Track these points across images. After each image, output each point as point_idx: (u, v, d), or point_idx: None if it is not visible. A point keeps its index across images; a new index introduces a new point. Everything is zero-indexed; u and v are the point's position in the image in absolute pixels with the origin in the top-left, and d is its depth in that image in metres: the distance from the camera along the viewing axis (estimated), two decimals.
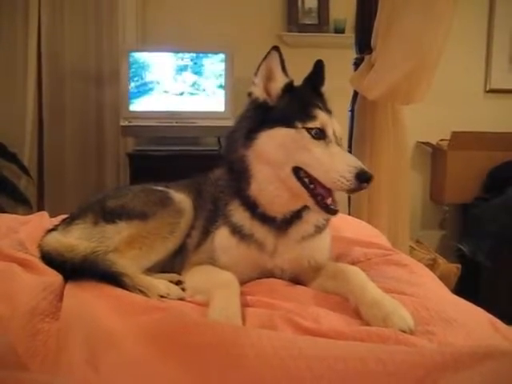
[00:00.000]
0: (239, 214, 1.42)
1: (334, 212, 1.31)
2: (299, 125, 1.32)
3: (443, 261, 3.58)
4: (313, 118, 1.34)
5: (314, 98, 1.44)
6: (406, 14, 2.54)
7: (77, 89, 3.94)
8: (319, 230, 1.47)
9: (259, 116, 1.38)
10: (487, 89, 4.30)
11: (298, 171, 1.32)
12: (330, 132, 1.34)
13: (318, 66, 1.52)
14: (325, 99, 1.48)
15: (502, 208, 3.60)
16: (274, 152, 1.32)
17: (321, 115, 1.35)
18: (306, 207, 1.40)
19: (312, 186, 1.31)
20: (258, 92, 1.41)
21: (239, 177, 1.39)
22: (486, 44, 4.25)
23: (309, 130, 1.32)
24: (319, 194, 1.30)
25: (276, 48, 1.40)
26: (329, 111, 1.41)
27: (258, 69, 1.42)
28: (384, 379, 0.81)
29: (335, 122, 1.38)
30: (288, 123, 1.33)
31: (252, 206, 1.39)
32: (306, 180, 1.31)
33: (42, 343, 1.07)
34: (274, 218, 1.39)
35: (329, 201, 1.30)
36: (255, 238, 1.41)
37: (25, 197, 3.85)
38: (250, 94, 1.43)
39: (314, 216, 1.43)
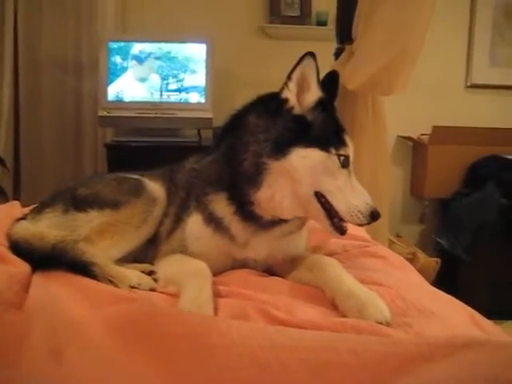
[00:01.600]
0: (221, 207, 1.36)
1: (345, 233, 1.32)
2: (333, 150, 1.28)
3: (423, 255, 3.59)
4: (345, 144, 1.31)
5: (338, 118, 1.40)
6: (387, 3, 2.52)
7: (54, 78, 3.86)
8: (300, 227, 1.44)
9: (293, 129, 1.29)
10: (468, 84, 4.30)
11: (317, 194, 1.29)
12: (351, 159, 1.33)
13: (333, 78, 1.45)
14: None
15: (480, 203, 3.62)
16: (303, 172, 1.26)
17: (350, 143, 1.33)
18: None
19: (328, 206, 1.30)
20: (294, 101, 1.31)
21: (244, 177, 1.31)
22: (468, 39, 4.24)
23: (339, 156, 1.29)
24: (336, 216, 1.29)
25: (311, 54, 1.29)
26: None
27: (291, 72, 1.31)
28: (356, 370, 0.79)
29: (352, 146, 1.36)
30: (323, 146, 1.27)
31: (242, 203, 1.34)
32: (323, 200, 1.29)
33: (4, 336, 1.02)
34: (260, 217, 1.35)
35: (345, 223, 1.31)
36: (231, 232, 1.36)
37: (0, 188, 3.78)
38: (285, 100, 1.30)
39: (300, 218, 1.41)
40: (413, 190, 4.31)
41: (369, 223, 1.30)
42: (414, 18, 2.48)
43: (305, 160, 1.26)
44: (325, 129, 1.31)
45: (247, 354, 0.85)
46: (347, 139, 1.34)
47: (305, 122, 1.30)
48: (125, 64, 3.61)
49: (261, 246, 1.39)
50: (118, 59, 3.60)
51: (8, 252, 1.38)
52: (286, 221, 1.37)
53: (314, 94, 1.32)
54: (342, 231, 1.31)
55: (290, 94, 1.31)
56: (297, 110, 1.31)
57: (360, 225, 1.31)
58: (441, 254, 3.75)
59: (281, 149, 1.27)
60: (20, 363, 0.94)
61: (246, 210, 1.34)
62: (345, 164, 1.30)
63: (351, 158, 1.33)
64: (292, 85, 1.31)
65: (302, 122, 1.30)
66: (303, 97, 1.32)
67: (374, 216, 1.28)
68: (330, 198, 1.28)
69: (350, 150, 1.33)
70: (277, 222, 1.37)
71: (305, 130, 1.29)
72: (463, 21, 4.23)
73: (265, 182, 1.29)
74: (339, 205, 1.28)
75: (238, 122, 1.39)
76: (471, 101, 4.26)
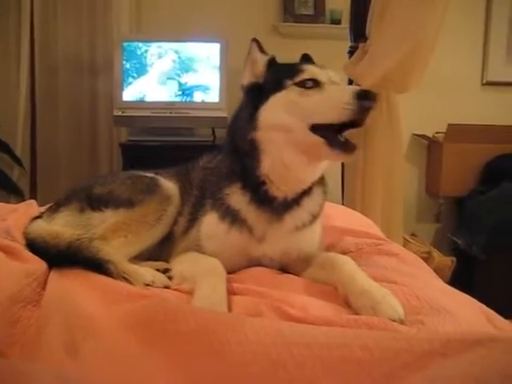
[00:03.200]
0: (237, 198, 1.38)
1: (353, 147, 1.25)
2: (288, 82, 1.31)
3: (438, 254, 3.57)
4: (300, 71, 1.33)
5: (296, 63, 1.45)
6: (400, 0, 2.51)
7: (70, 78, 3.89)
8: (313, 219, 1.44)
9: (254, 98, 1.36)
10: (484, 81, 4.27)
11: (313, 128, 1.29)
12: (323, 79, 1.31)
13: (306, 60, 1.52)
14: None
15: (497, 201, 3.58)
16: (280, 120, 1.29)
17: (308, 67, 1.35)
18: (306, 194, 1.39)
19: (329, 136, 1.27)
20: (247, 79, 1.43)
21: (248, 159, 1.36)
22: (484, 35, 4.21)
23: (299, 84, 1.30)
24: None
25: (254, 39, 1.44)
26: (320, 66, 1.39)
27: (244, 64, 1.45)
28: (369, 366, 0.78)
29: (330, 71, 1.36)
30: (279, 87, 1.32)
31: (255, 187, 1.36)
32: (320, 132, 1.27)
33: (21, 331, 1.05)
34: (274, 198, 1.36)
35: (342, 137, 1.26)
36: (248, 223, 1.37)
37: (17, 187, 3.81)
38: (242, 87, 1.44)
39: (312, 203, 1.41)
40: (428, 189, 4.28)
41: (364, 107, 1.18)
42: (427, 14, 2.46)
43: (272, 110, 1.32)
44: (277, 75, 1.36)
45: (261, 351, 0.85)
46: (303, 67, 1.35)
47: (259, 87, 1.38)
48: (139, 64, 3.63)
49: (276, 240, 1.39)
50: (132, 59, 3.62)
51: (25, 250, 1.40)
52: (298, 204, 1.38)
53: (260, 61, 1.42)
54: (347, 146, 1.25)
55: (243, 79, 1.43)
56: (249, 83, 1.42)
57: (356, 114, 1.18)
58: (456, 252, 3.72)
59: (254, 118, 1.33)
60: (37, 357, 0.96)
61: (260, 193, 1.36)
62: (309, 85, 1.30)
63: (324, 77, 1.31)
64: (247, 72, 1.43)
65: (258, 88, 1.38)
66: (256, 70, 1.42)
67: (361, 95, 1.18)
68: (317, 119, 1.25)
69: (310, 73, 1.32)
70: (289, 206, 1.37)
71: (262, 91, 1.36)
72: (479, 17, 4.20)
73: (261, 152, 1.33)
74: (326, 114, 1.24)
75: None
76: (487, 98, 4.23)
